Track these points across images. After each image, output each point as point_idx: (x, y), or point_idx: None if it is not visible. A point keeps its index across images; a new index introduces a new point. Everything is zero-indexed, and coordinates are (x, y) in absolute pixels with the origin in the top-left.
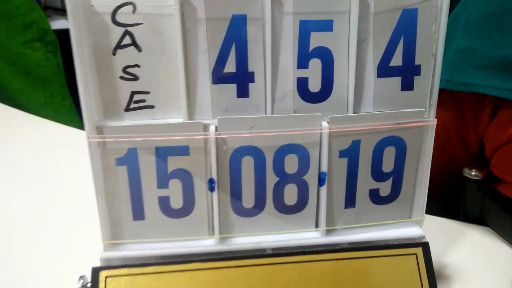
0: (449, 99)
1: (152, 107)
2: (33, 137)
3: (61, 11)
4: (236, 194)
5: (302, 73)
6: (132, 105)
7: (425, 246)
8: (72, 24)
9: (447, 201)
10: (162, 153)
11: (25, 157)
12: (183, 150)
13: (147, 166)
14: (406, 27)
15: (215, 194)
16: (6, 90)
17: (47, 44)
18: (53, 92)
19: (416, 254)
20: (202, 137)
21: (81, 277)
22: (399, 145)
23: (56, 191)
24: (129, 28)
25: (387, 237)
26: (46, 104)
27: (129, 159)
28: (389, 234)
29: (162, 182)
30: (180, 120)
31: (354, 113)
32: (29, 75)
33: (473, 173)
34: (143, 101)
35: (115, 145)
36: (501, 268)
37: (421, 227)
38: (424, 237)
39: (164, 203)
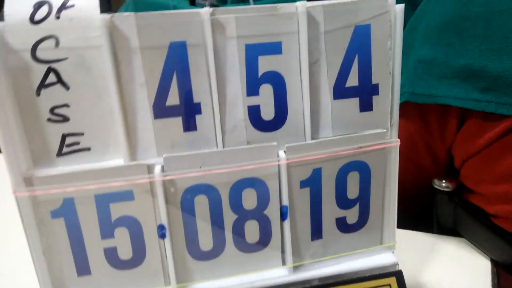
0: (413, 111)
1: (88, 149)
2: None
3: None
4: (191, 237)
5: (253, 100)
6: (65, 149)
7: (399, 275)
8: None
9: (418, 213)
10: (103, 200)
11: None
12: (126, 195)
13: (87, 216)
14: (360, 45)
15: (167, 241)
16: None
17: None
18: None
19: (389, 285)
20: (147, 180)
21: None
22: (363, 169)
23: None
24: (52, 65)
25: (358, 268)
26: None
27: (66, 211)
28: (361, 264)
29: (106, 232)
30: (120, 161)
31: (312, 139)
32: None
33: (443, 184)
34: (77, 143)
35: (48, 196)
36: (479, 281)
37: (393, 252)
38: (397, 264)
39: (111, 254)
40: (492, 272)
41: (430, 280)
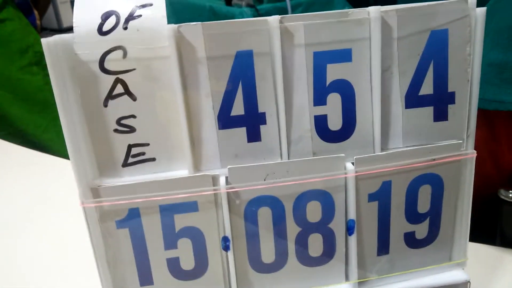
0: (479, 117)
1: (153, 159)
2: (32, 172)
3: (58, 31)
4: (254, 249)
5: (320, 110)
6: (130, 160)
7: None
8: (53, 77)
9: (480, 225)
10: (168, 211)
11: (22, 195)
12: (191, 207)
13: (152, 227)
14: (436, 51)
15: (230, 252)
16: (6, 117)
17: (45, 68)
18: (55, 116)
19: None
20: (212, 192)
21: None
22: (435, 182)
23: (59, 243)
24: (120, 76)
25: (427, 285)
26: (48, 129)
27: (131, 221)
28: (429, 281)
29: (170, 242)
30: (185, 172)
31: (382, 151)
32: (28, 101)
33: (510, 195)
34: (143, 154)
35: (114, 207)
36: None
37: (463, 269)
38: (469, 282)
39: (173, 265)
40: None
41: None
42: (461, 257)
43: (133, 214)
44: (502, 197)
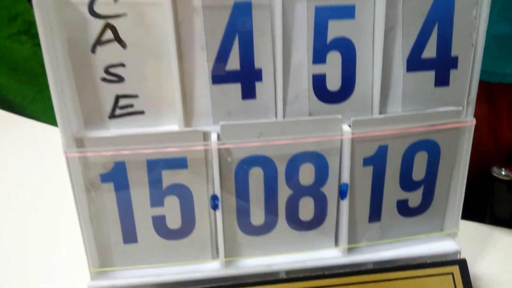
0: (481, 91)
1: (142, 113)
2: (19, 139)
3: None
4: (243, 211)
5: (319, 68)
6: (118, 111)
7: (463, 264)
8: (39, 18)
9: (471, 202)
10: (155, 166)
11: (9, 161)
12: (180, 163)
13: (138, 182)
14: (441, 13)
15: (218, 212)
16: None
17: (34, 37)
18: (43, 88)
19: (452, 274)
20: (202, 147)
21: None
22: (432, 149)
23: (38, 203)
24: (110, 21)
25: (417, 254)
26: (35, 100)
27: (116, 175)
28: (420, 250)
29: (156, 199)
30: (175, 127)
31: (380, 114)
32: (16, 70)
33: (503, 172)
34: (131, 106)
35: (98, 159)
36: None
37: (454, 240)
38: (459, 252)
39: (159, 223)
40: None
41: (486, 272)
42: (453, 228)
43: (119, 168)
44: (495, 175)
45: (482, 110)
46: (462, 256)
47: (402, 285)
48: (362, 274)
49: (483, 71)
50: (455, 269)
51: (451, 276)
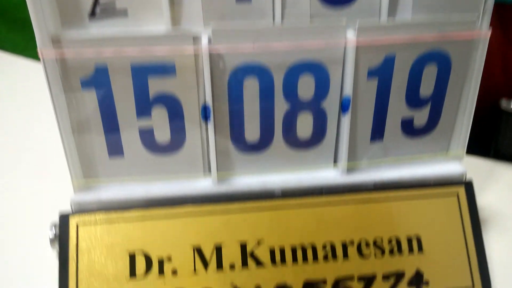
0: (493, 17)
1: (124, 12)
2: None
3: None
4: (237, 125)
5: None
6: (98, 10)
7: (469, 186)
8: None
9: (476, 136)
10: (141, 72)
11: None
12: (167, 69)
13: (122, 90)
14: None
15: (210, 124)
16: None
17: None
18: (34, 36)
19: (457, 194)
20: (192, 51)
21: (55, 226)
22: (443, 62)
23: (17, 123)
24: None
25: (421, 175)
26: (27, 49)
27: (98, 80)
28: (423, 171)
29: (143, 110)
30: (162, 28)
31: (388, 20)
32: (6, 18)
33: (510, 104)
34: (112, 3)
35: (78, 62)
36: None
37: (460, 162)
38: (465, 174)
39: (146, 136)
40: None
41: (488, 205)
42: (459, 150)
43: (101, 73)
44: (503, 108)
45: (494, 35)
46: None
47: (404, 204)
48: (362, 192)
49: None
50: (461, 190)
51: (456, 197)
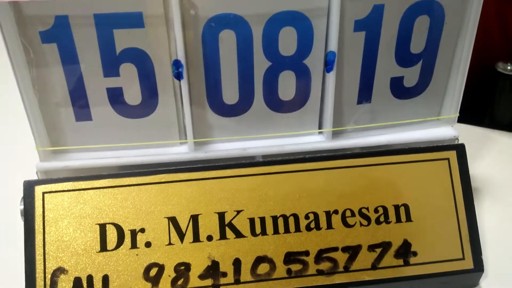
0: None
1: None
2: None
3: None
4: (213, 84)
5: None
6: None
7: (460, 149)
8: None
9: (472, 102)
10: (105, 23)
11: None
12: (134, 20)
13: (87, 44)
14: None
15: (184, 83)
16: None
17: None
18: None
19: (448, 159)
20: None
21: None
22: (436, 13)
23: None
24: None
25: (410, 140)
26: None
27: (59, 33)
28: (413, 135)
29: (110, 67)
30: None
31: None
32: None
33: (508, 67)
34: None
35: (36, 11)
36: None
37: (452, 126)
38: (457, 138)
39: (115, 97)
40: None
41: (481, 173)
42: (451, 112)
43: (62, 24)
44: (500, 70)
45: None
46: None
47: (392, 171)
48: (348, 158)
49: None
50: (452, 155)
51: (447, 161)
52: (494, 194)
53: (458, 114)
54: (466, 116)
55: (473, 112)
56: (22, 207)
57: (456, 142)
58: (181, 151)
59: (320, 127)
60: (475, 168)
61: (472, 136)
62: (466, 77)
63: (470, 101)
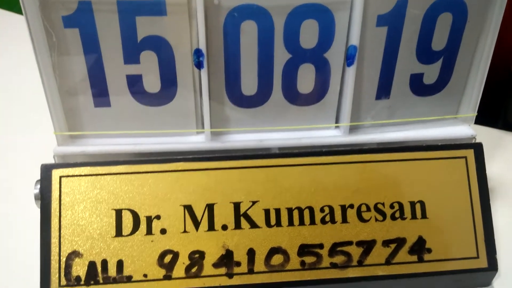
0: None
1: None
2: None
3: None
4: (232, 74)
5: None
6: None
7: (478, 148)
8: None
9: (487, 103)
10: (128, 10)
11: None
12: (157, 8)
13: (108, 30)
14: None
15: (204, 72)
16: None
17: None
18: None
19: (466, 158)
20: None
21: (39, 181)
22: (459, 11)
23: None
24: None
25: (428, 137)
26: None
27: (82, 19)
28: (431, 133)
29: (131, 54)
30: None
31: None
32: None
33: None
34: None
35: None
36: None
37: (470, 125)
38: (475, 138)
39: (135, 84)
40: None
41: (494, 174)
42: (470, 111)
43: (84, 10)
44: None
45: None
46: None
47: (409, 167)
48: (364, 153)
49: None
50: (469, 154)
51: (464, 160)
52: (506, 195)
53: (476, 114)
54: (480, 117)
55: (487, 113)
56: (37, 190)
57: (473, 141)
58: (198, 141)
59: (337, 121)
60: (488, 169)
61: (485, 137)
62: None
63: (485, 102)
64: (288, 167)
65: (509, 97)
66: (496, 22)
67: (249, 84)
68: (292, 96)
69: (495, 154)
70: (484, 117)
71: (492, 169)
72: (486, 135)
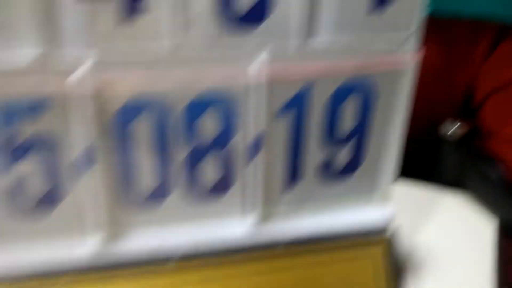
0: (434, 33)
1: None
2: None
3: None
4: (125, 174)
5: None
6: None
7: (386, 245)
8: None
9: (418, 161)
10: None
11: None
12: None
13: None
14: None
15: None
16: None
17: None
18: None
19: (373, 258)
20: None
21: None
22: (366, 91)
23: None
24: None
25: (341, 225)
26: None
27: None
28: (346, 220)
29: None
30: (31, 52)
31: (302, 45)
32: None
33: (453, 127)
34: None
35: None
36: (480, 243)
37: (387, 208)
38: (392, 221)
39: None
40: (496, 232)
41: (427, 240)
42: (385, 194)
43: None
44: (444, 130)
45: (437, 55)
46: (406, 221)
47: (316, 270)
48: (271, 255)
49: (436, 8)
50: (376, 252)
51: (370, 261)
52: (437, 264)
53: (392, 196)
54: (414, 173)
55: (421, 169)
56: None
57: (387, 232)
58: (84, 252)
59: (243, 214)
60: (421, 233)
61: (421, 196)
62: (415, 135)
63: (418, 158)
64: (188, 273)
65: (441, 154)
66: (406, 100)
67: (145, 182)
68: (195, 192)
69: (428, 214)
70: (420, 174)
71: (425, 234)
72: (422, 193)
